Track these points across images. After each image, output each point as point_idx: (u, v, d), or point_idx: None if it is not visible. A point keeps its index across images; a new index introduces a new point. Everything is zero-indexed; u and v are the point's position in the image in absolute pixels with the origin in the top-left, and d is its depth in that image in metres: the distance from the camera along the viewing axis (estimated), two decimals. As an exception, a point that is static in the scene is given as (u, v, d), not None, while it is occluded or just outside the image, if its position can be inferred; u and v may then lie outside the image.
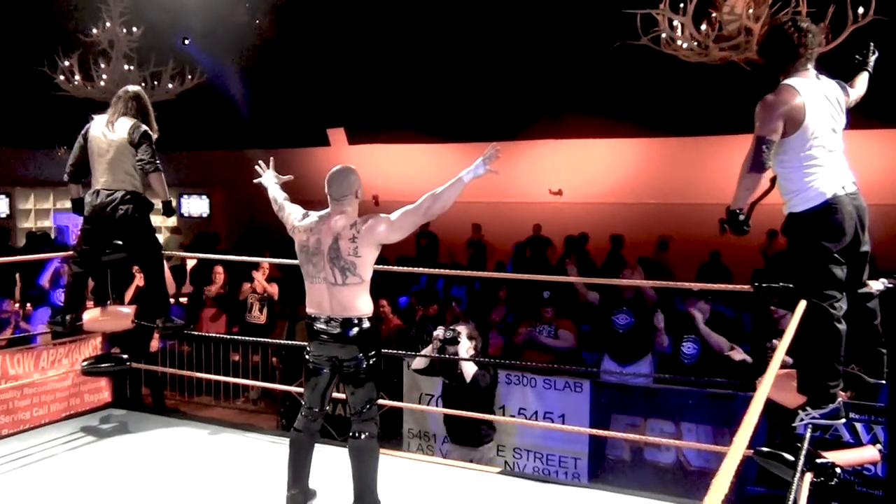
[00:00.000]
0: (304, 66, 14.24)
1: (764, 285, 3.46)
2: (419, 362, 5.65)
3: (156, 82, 11.90)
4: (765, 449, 3.30)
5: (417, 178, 8.71)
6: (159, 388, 7.82)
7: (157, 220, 5.39)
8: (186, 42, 13.77)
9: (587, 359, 6.90)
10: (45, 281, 7.94)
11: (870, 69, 3.60)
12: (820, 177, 3.15)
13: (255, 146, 13.17)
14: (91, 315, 4.90)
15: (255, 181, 4.11)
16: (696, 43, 7.91)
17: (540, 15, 12.22)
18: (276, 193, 3.92)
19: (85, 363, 5.01)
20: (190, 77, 12.16)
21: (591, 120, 12.84)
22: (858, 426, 4.98)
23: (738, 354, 5.80)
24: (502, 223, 13.10)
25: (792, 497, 2.48)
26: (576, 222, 12.30)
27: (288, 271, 8.68)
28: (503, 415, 6.16)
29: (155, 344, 7.64)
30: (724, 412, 5.61)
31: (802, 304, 3.11)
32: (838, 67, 3.52)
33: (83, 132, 4.66)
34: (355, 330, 3.44)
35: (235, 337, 8.08)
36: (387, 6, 13.00)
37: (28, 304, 8.13)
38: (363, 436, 3.47)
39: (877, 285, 3.36)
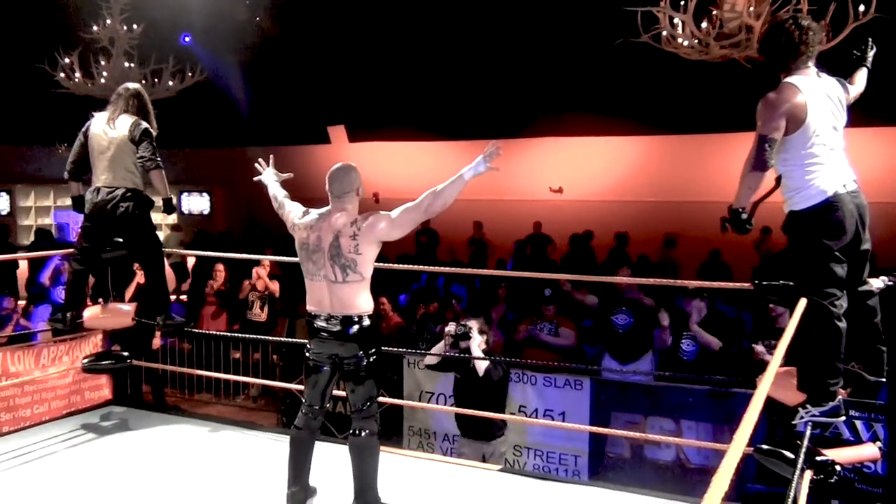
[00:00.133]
0: (304, 64, 14.24)
1: (764, 283, 3.46)
2: (431, 358, 5.72)
3: (156, 80, 11.89)
4: (765, 447, 3.30)
5: (418, 176, 8.70)
6: (160, 386, 7.83)
7: (157, 217, 5.39)
8: (188, 40, 13.77)
9: (588, 351, 6.91)
10: (45, 278, 7.94)
11: (868, 64, 3.59)
12: (821, 175, 3.15)
13: (255, 144, 13.17)
14: (91, 312, 4.91)
15: (255, 179, 4.11)
16: (696, 41, 7.90)
17: (541, 12, 12.21)
18: (276, 191, 3.92)
19: (85, 360, 5.02)
20: (190, 74, 12.16)
21: (591, 118, 12.83)
22: (858, 424, 4.98)
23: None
24: (502, 221, 13.11)
25: (792, 494, 2.48)
26: (576, 220, 12.31)
27: (288, 269, 8.67)
28: (503, 412, 6.16)
29: (157, 341, 7.65)
30: (724, 410, 5.61)
31: (803, 302, 3.11)
32: (839, 65, 3.51)
33: (84, 129, 4.66)
34: (355, 327, 3.44)
35: (236, 334, 8.09)
36: (387, 4, 13.00)
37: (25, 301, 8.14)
38: (363, 433, 3.48)
39: (877, 283, 3.36)
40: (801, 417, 3.23)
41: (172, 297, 5.45)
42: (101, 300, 5.02)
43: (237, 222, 16.26)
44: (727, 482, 1.46)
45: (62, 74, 11.51)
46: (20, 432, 4.77)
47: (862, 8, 6.98)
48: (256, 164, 4.13)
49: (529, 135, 13.75)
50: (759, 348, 5.64)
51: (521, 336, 6.85)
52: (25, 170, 16.01)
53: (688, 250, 10.91)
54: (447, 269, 6.49)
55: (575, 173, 13.91)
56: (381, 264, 4.42)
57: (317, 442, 3.62)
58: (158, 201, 4.75)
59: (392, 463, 4.08)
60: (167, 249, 5.36)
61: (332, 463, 3.90)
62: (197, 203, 17.34)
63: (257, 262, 8.71)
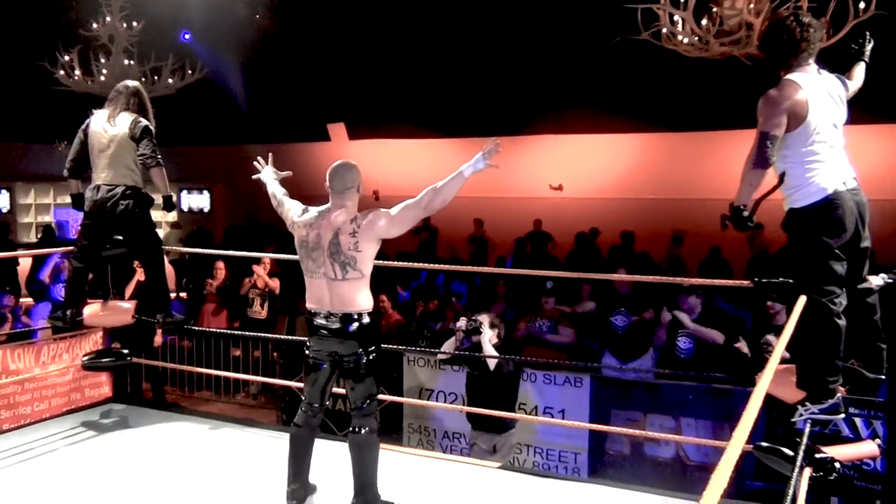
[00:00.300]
0: (304, 61, 14.23)
1: (764, 280, 3.46)
2: (444, 353, 5.78)
3: (156, 77, 11.89)
4: (764, 444, 3.30)
5: (418, 173, 8.71)
6: (160, 383, 7.83)
7: (157, 214, 5.40)
8: (187, 37, 13.76)
9: (588, 344, 6.90)
10: (45, 276, 7.94)
11: (866, 59, 3.58)
12: (821, 172, 3.15)
13: (255, 141, 13.15)
14: (91, 310, 4.91)
15: (254, 177, 4.11)
16: (696, 38, 7.89)
17: (541, 10, 12.20)
18: (275, 189, 3.92)
19: (85, 358, 5.02)
20: (190, 72, 12.15)
21: (591, 115, 12.82)
22: (858, 421, 4.98)
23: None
24: (502, 218, 13.11)
25: (791, 492, 2.48)
26: (576, 218, 12.31)
27: (289, 266, 8.67)
28: (515, 404, 6.16)
29: (158, 339, 7.65)
30: (724, 407, 5.62)
31: (802, 300, 3.11)
32: (839, 62, 3.50)
33: (83, 127, 4.66)
34: (355, 325, 3.44)
35: (236, 332, 8.09)
36: (387, 1, 12.98)
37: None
38: (363, 431, 3.48)
39: (877, 280, 3.35)
40: (801, 415, 3.23)
41: (172, 295, 5.45)
42: (100, 296, 5.02)
43: (237, 220, 16.26)
44: (726, 479, 1.46)
45: (62, 72, 11.51)
46: (20, 430, 4.77)
47: (862, 5, 6.97)
48: (255, 163, 4.12)
49: (529, 132, 13.74)
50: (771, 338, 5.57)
51: (521, 334, 6.86)
52: (25, 167, 16.01)
53: (689, 247, 10.91)
54: (447, 267, 6.50)
55: (575, 171, 13.90)
56: (381, 262, 4.43)
57: (316, 439, 3.62)
58: (158, 199, 4.75)
59: (392, 460, 4.07)
60: (166, 247, 5.36)
61: (331, 460, 3.90)
62: (197, 200, 17.37)
63: (257, 260, 8.71)
